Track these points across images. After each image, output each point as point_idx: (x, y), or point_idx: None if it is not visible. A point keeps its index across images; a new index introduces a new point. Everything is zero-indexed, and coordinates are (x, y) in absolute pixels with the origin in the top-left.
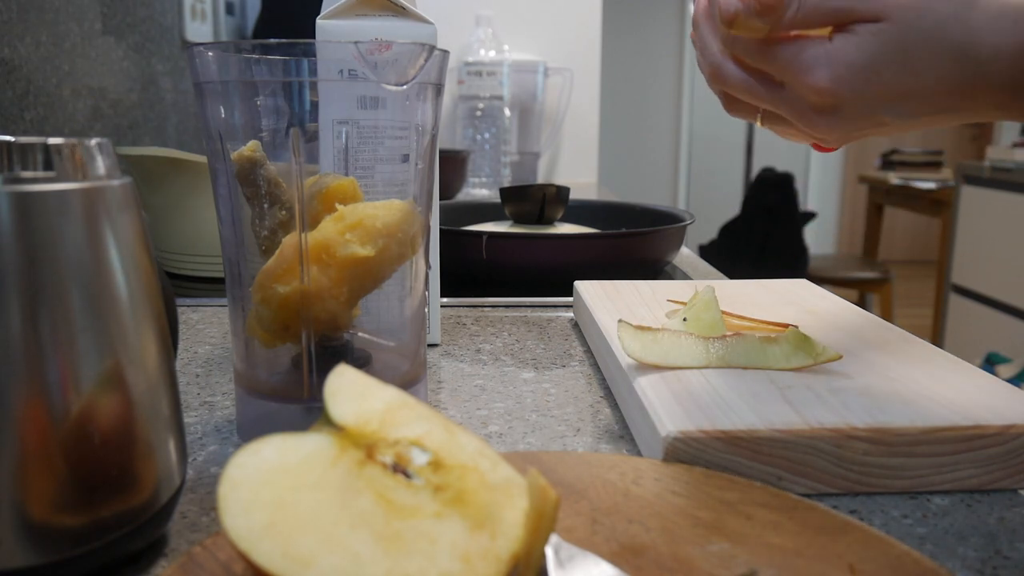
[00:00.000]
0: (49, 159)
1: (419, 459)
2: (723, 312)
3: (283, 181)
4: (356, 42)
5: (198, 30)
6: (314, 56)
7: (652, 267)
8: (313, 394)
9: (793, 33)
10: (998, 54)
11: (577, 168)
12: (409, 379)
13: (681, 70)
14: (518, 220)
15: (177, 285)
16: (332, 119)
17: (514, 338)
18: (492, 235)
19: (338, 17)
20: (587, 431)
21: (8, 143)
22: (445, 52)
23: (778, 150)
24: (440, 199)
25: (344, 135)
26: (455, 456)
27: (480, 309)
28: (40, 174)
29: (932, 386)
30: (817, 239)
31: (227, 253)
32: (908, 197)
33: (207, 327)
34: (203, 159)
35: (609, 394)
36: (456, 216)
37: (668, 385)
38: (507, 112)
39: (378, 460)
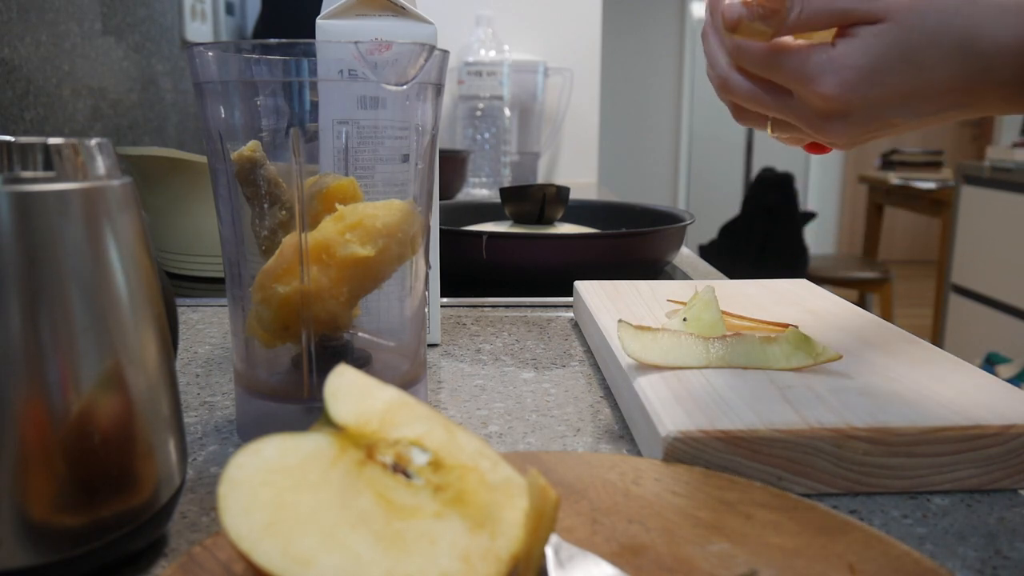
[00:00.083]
0: (49, 159)
1: (419, 459)
2: (723, 312)
3: (283, 181)
4: (356, 42)
5: (198, 30)
6: (314, 56)
7: (652, 267)
8: (313, 394)
9: (797, 41)
10: (1003, 49)
11: (577, 168)
12: (409, 379)
13: (681, 70)
14: (518, 220)
15: (177, 285)
16: (332, 119)
17: (514, 338)
18: (492, 235)
19: (338, 17)
20: (587, 431)
21: (8, 143)
22: (445, 52)
23: (778, 150)
24: (440, 199)
25: (344, 135)
26: (455, 456)
27: (480, 309)
28: (40, 174)
29: (932, 386)
30: (817, 239)
31: (227, 253)
32: (908, 197)
33: (207, 327)
34: (203, 159)
35: (609, 394)
36: (456, 216)
37: (668, 385)
38: (507, 112)
39: (378, 460)
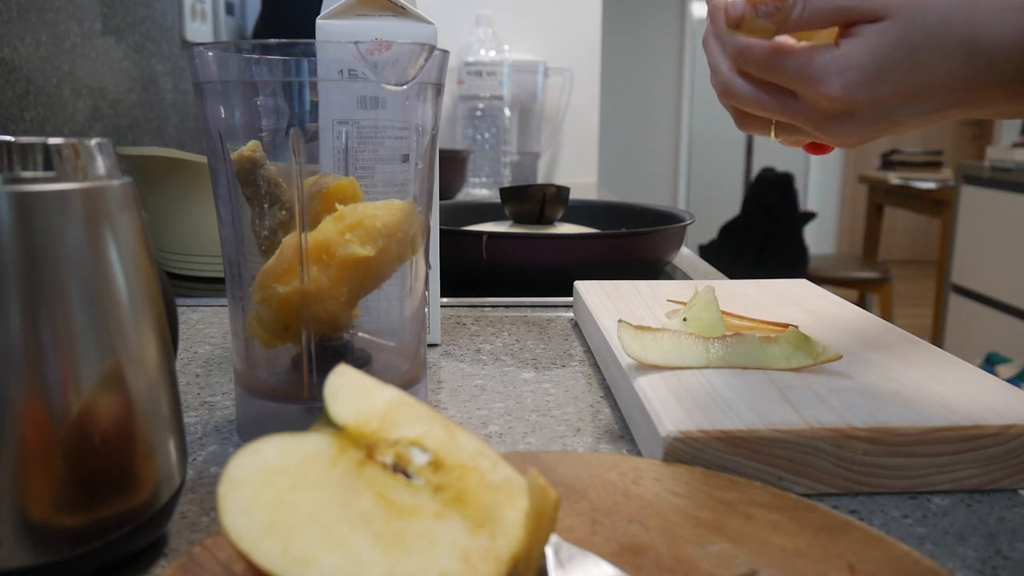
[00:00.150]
0: (49, 159)
1: (419, 459)
2: (723, 312)
3: (283, 181)
4: (356, 42)
5: (198, 30)
6: (314, 56)
7: (652, 267)
8: (313, 394)
9: (800, 43)
10: (1005, 46)
11: (577, 168)
12: (409, 379)
13: (681, 70)
14: (518, 220)
15: (177, 285)
16: (332, 119)
17: (514, 338)
18: (492, 235)
19: (338, 17)
20: (587, 431)
21: (8, 143)
22: (445, 52)
23: (778, 150)
24: (440, 199)
25: (344, 135)
26: (455, 456)
27: (480, 309)
28: (40, 174)
29: (932, 386)
30: (817, 239)
31: (227, 253)
32: (908, 197)
33: (207, 327)
34: (203, 159)
35: (609, 394)
36: (456, 216)
37: (668, 385)
38: (507, 112)
39: (378, 460)
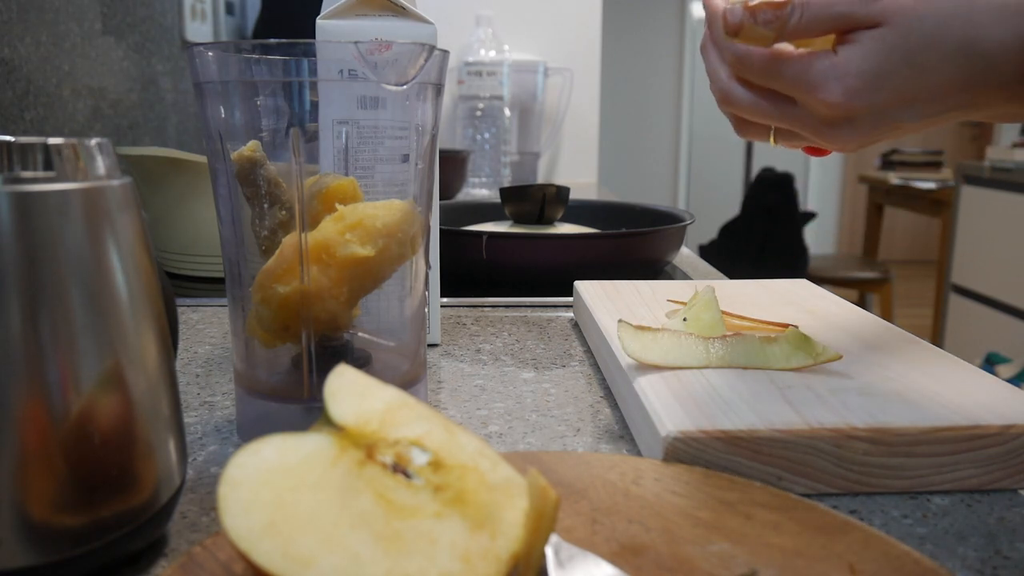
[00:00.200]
0: (49, 159)
1: (419, 459)
2: (723, 312)
3: (283, 181)
4: (356, 42)
5: (198, 30)
6: (314, 56)
7: (652, 267)
8: (313, 394)
9: (798, 51)
10: (1005, 48)
11: (577, 168)
12: (409, 379)
13: (681, 70)
14: (518, 220)
15: (177, 285)
16: (332, 119)
17: (514, 338)
18: (492, 235)
19: (338, 17)
20: (587, 431)
21: (8, 143)
22: (445, 52)
23: (778, 150)
24: (440, 199)
25: (344, 135)
26: (455, 456)
27: (480, 309)
28: (40, 174)
29: (932, 386)
30: (817, 239)
31: (227, 253)
32: (908, 197)
33: (207, 327)
34: (203, 159)
35: (609, 394)
36: (456, 216)
37: (668, 385)
38: (507, 112)
39: (378, 460)
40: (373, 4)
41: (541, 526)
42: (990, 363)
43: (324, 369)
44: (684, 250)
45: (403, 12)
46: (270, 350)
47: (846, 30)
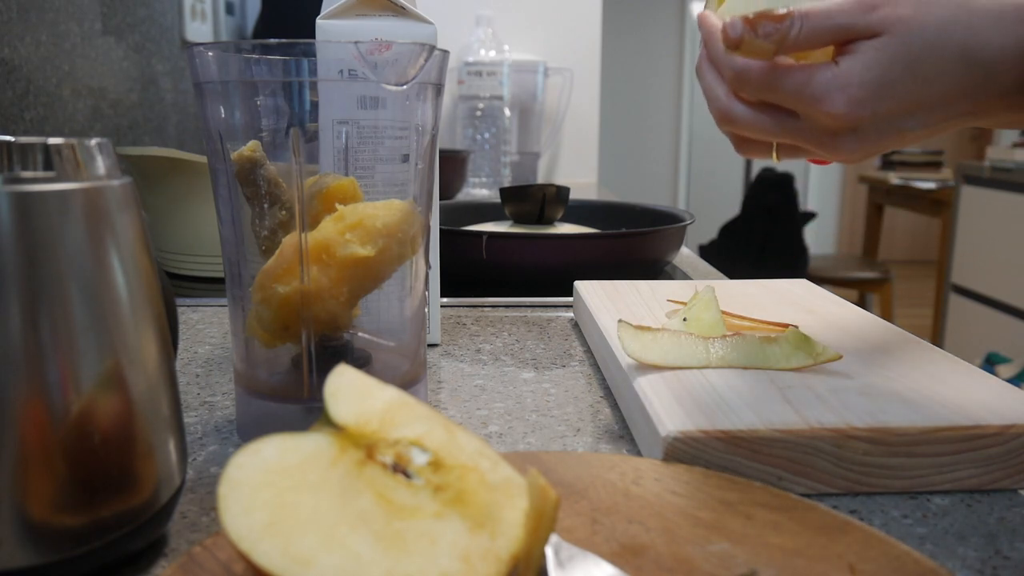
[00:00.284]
0: (49, 159)
1: (419, 459)
2: (723, 312)
3: (283, 181)
4: (356, 42)
5: (198, 30)
6: (314, 56)
7: (652, 267)
8: (313, 394)
9: (798, 63)
10: (1005, 55)
11: (577, 168)
12: (409, 379)
13: (681, 70)
14: (518, 220)
15: (177, 285)
16: (332, 119)
17: (514, 338)
18: (492, 235)
19: (338, 17)
20: (587, 431)
21: (8, 143)
22: (445, 52)
23: None
24: (440, 199)
25: (344, 135)
26: (455, 456)
27: (480, 309)
28: (40, 174)
29: (932, 386)
30: (817, 239)
31: (227, 253)
32: (908, 197)
33: (207, 327)
34: (203, 159)
35: (609, 394)
36: (456, 216)
37: (668, 385)
38: (507, 112)
39: (378, 460)
40: (373, 4)
41: (541, 526)
42: (990, 363)
43: (324, 369)
44: (684, 250)
45: (403, 12)
46: (270, 350)
47: (846, 41)
